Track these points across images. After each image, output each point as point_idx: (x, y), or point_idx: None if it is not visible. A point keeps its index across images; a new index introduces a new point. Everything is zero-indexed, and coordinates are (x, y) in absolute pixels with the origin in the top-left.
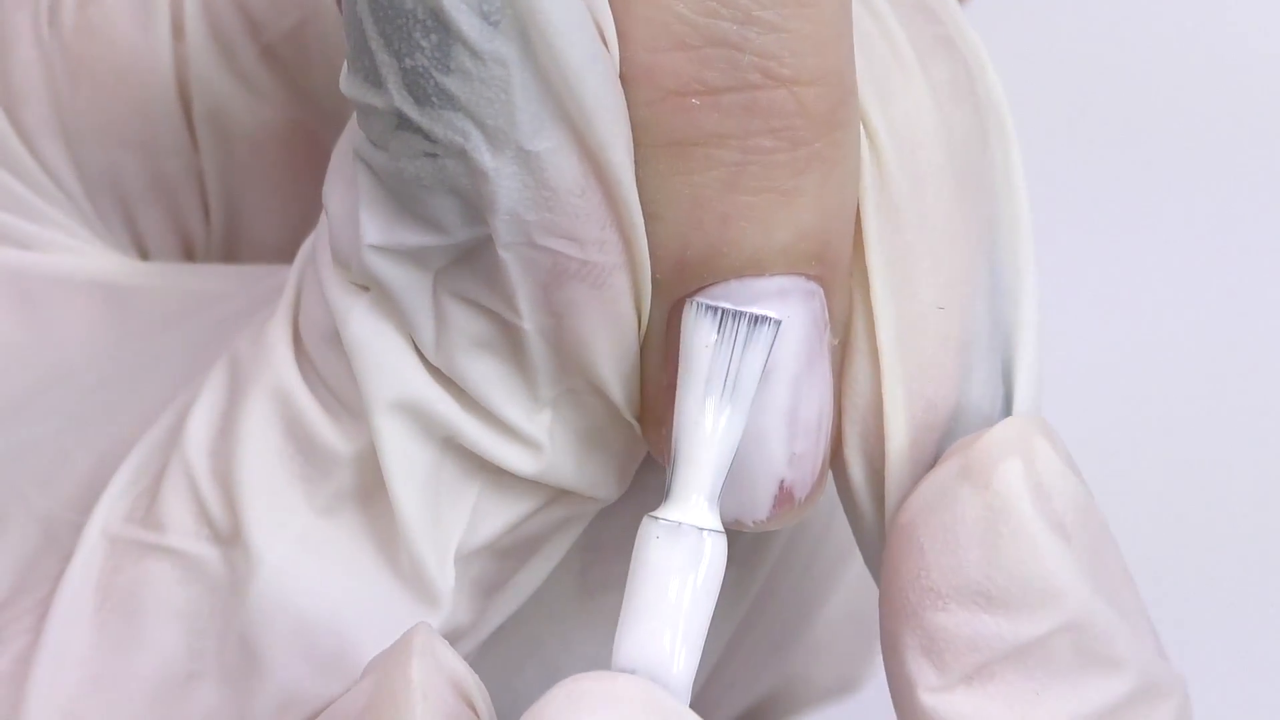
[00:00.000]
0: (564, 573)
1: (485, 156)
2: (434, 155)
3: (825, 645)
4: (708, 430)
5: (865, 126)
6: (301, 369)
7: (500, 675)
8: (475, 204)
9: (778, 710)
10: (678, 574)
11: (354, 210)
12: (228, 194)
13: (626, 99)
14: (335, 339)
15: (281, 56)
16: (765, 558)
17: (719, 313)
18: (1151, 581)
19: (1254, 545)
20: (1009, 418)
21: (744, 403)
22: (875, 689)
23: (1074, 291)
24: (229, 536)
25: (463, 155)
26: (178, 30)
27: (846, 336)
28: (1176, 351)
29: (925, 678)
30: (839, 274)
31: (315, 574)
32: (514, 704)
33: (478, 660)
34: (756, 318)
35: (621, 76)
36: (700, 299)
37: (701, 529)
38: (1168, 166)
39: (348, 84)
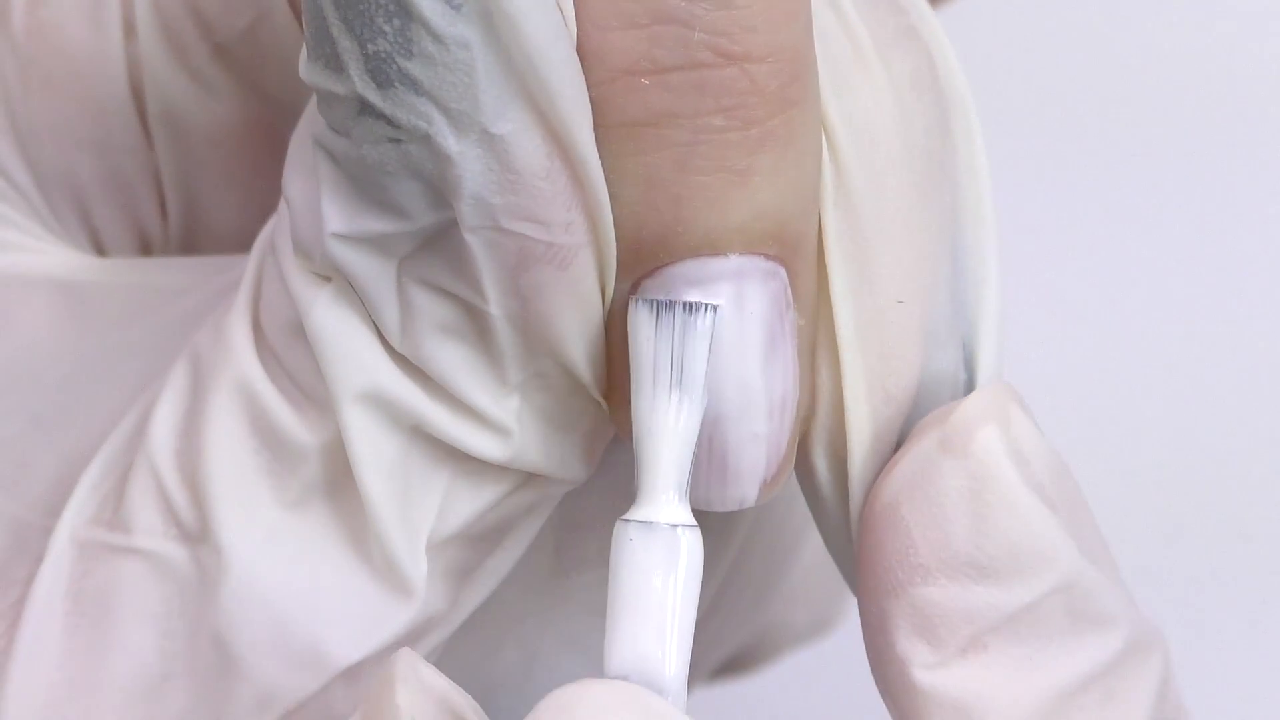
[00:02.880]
0: (539, 553)
1: (449, 140)
2: (397, 140)
3: (802, 591)
4: (665, 425)
5: (823, 122)
6: (264, 362)
7: (478, 657)
8: (439, 189)
9: (757, 656)
10: (658, 573)
11: (315, 199)
12: (185, 190)
13: None
14: (298, 330)
15: (235, 55)
16: (740, 522)
17: (653, 305)
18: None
19: (1231, 539)
20: (981, 388)
21: (695, 390)
22: (848, 629)
23: (1056, 286)
24: (197, 535)
25: (426, 140)
26: (129, 30)
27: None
28: (1159, 344)
29: (919, 655)
30: (801, 254)
31: (286, 569)
32: (493, 686)
33: (454, 644)
34: (691, 305)
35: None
36: (638, 295)
37: (674, 525)
38: (1152, 161)
39: (308, 71)
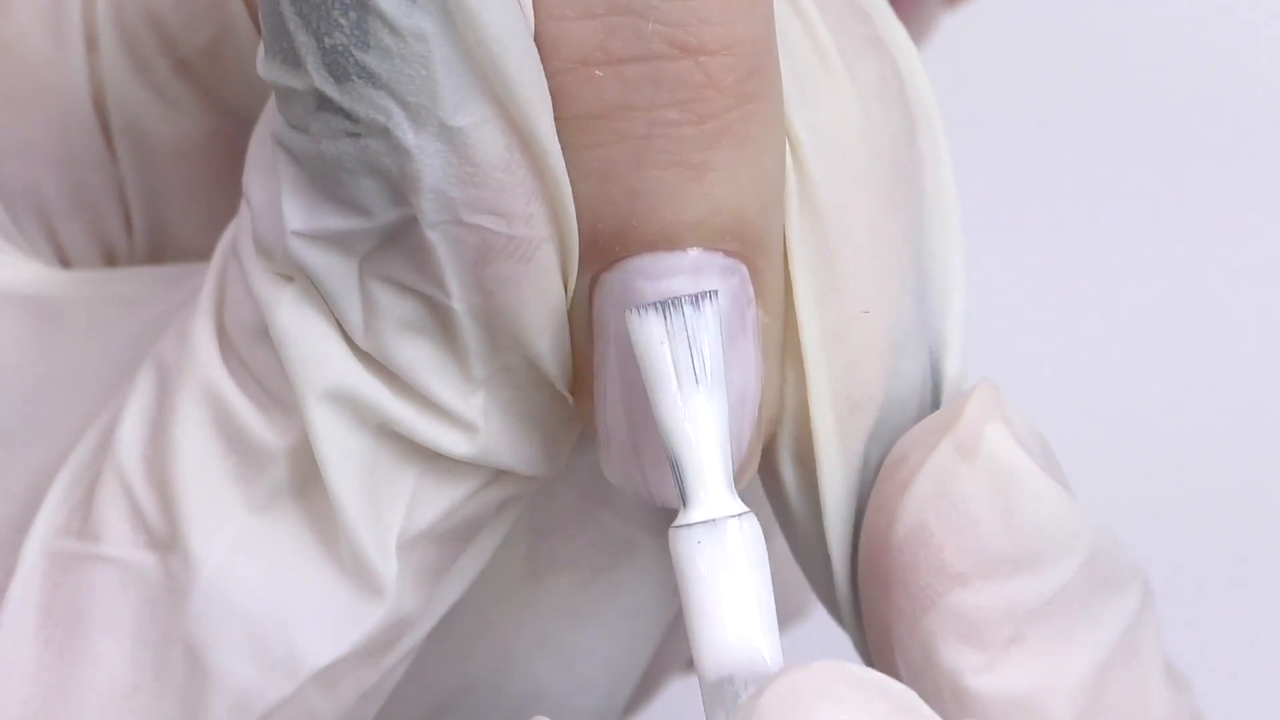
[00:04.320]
0: (510, 555)
1: (408, 134)
2: (356, 135)
3: (777, 578)
4: (698, 423)
5: (788, 131)
6: (229, 365)
7: (452, 659)
8: (399, 184)
9: None
10: (732, 568)
11: (276, 198)
12: (150, 203)
13: None
14: (262, 332)
15: (197, 69)
16: None
17: (660, 308)
18: None
19: (1231, 538)
20: (975, 387)
21: (719, 380)
22: (821, 614)
23: (1056, 285)
24: (166, 542)
25: (385, 134)
26: (91, 44)
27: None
28: (1159, 343)
29: (968, 662)
30: (763, 252)
31: (256, 573)
32: (466, 688)
33: (427, 644)
34: (695, 297)
35: None
36: (631, 307)
37: (738, 515)
38: (1150, 159)
39: (265, 68)
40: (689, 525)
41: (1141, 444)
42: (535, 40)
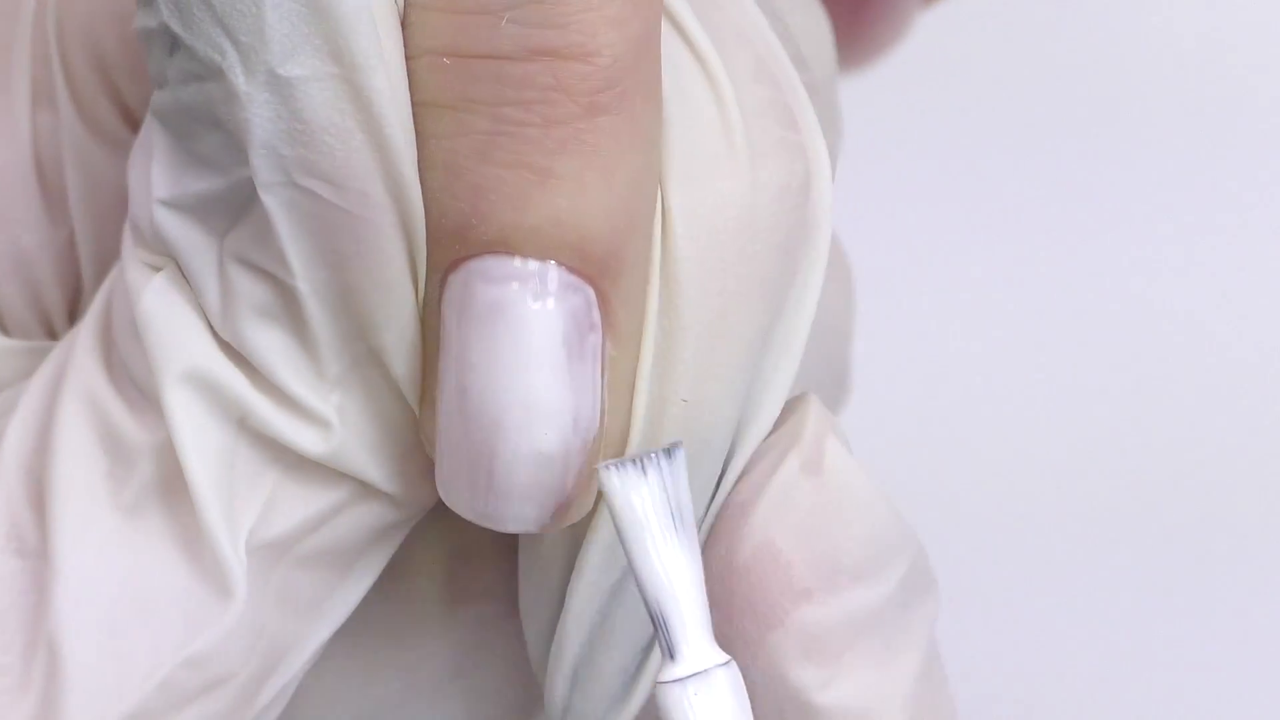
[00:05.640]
0: (427, 580)
1: (239, 78)
2: (200, 79)
3: None
4: (682, 573)
5: (663, 201)
6: (110, 366)
7: (358, 681)
8: (235, 135)
9: None
10: (732, 713)
11: (148, 172)
12: (108, 260)
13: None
14: (136, 327)
15: (140, 117)
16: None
17: (637, 463)
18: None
19: (1230, 537)
20: (805, 400)
21: (693, 526)
22: None
23: (1054, 286)
24: (35, 549)
25: (220, 76)
26: (37, 99)
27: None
28: (1158, 343)
29: (812, 678)
30: (612, 279)
31: (119, 574)
32: (371, 712)
33: (333, 663)
34: (669, 449)
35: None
36: (606, 463)
37: (724, 664)
38: (1147, 158)
39: (137, 19)
40: (680, 680)
41: (1138, 442)
42: (402, 26)
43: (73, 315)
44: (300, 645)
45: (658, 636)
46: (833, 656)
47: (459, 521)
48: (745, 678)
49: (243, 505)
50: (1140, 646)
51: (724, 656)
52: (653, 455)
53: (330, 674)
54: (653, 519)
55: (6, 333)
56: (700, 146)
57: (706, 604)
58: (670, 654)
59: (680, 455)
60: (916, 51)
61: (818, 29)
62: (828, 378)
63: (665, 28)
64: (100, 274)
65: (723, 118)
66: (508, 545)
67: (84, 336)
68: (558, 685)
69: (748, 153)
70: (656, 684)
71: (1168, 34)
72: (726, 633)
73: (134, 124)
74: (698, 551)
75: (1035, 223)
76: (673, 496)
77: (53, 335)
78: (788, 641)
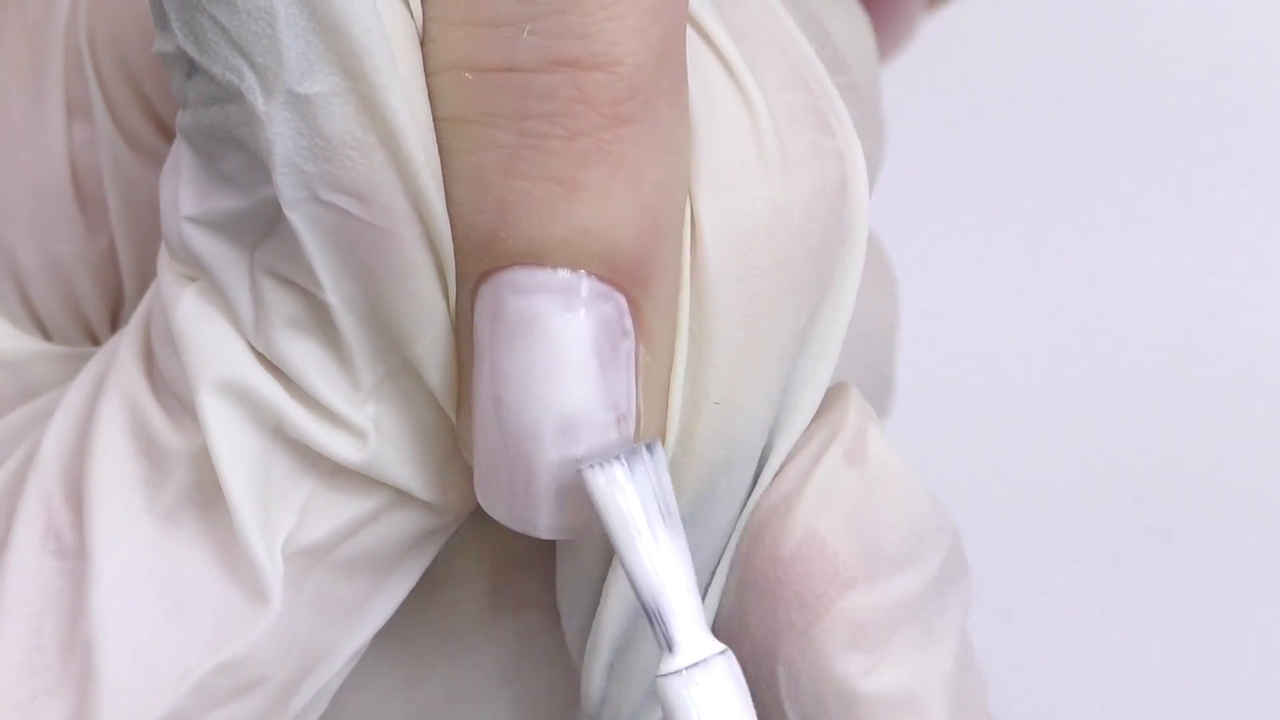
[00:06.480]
0: (474, 588)
1: (259, 99)
2: (220, 101)
3: None
4: (674, 566)
5: (692, 211)
6: (151, 374)
7: (403, 684)
8: (258, 154)
9: None
10: (729, 703)
11: (176, 190)
12: (148, 272)
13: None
14: (173, 338)
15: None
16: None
17: (621, 461)
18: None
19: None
20: (844, 390)
21: (678, 519)
22: None
23: (1053, 284)
24: (73, 549)
25: (240, 99)
26: (72, 111)
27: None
28: (1157, 342)
29: (857, 666)
30: (643, 287)
31: (154, 581)
32: (414, 716)
33: (378, 667)
34: (648, 445)
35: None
36: (589, 464)
37: (719, 653)
38: (1147, 157)
39: (155, 44)
40: (680, 671)
41: (1135, 441)
42: (421, 41)
43: (115, 323)
44: (336, 651)
45: (654, 631)
46: (877, 644)
47: (504, 531)
48: (790, 666)
49: (279, 511)
50: (1171, 649)
51: (720, 645)
52: (635, 452)
53: (375, 681)
54: (640, 515)
55: (49, 339)
56: (730, 155)
57: (699, 595)
58: (668, 647)
59: (660, 450)
60: (917, 51)
61: (858, 31)
62: (870, 382)
63: (693, 38)
64: (142, 282)
65: (753, 126)
66: (553, 555)
67: (126, 344)
68: (595, 677)
69: (780, 160)
70: (656, 678)
71: (1197, 28)
72: (772, 624)
73: (169, 135)
74: (685, 544)
75: (1072, 226)
76: (657, 491)
77: (95, 342)
78: (833, 630)
